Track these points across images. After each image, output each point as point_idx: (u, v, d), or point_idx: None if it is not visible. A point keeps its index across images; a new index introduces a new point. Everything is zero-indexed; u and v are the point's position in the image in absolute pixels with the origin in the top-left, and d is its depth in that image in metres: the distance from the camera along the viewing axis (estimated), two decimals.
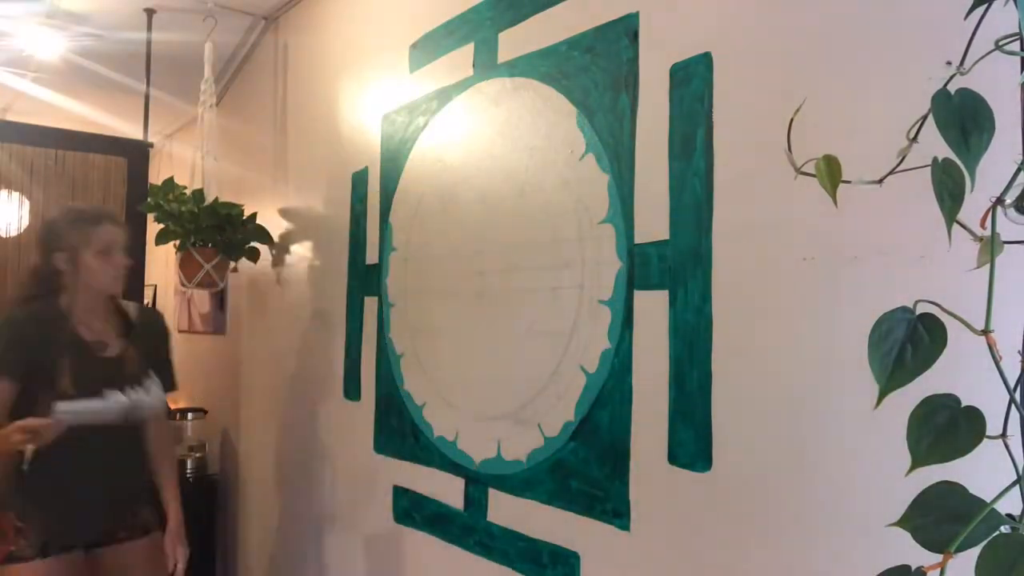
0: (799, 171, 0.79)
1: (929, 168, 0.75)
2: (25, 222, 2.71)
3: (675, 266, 1.36)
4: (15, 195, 2.71)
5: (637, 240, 1.44)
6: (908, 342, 0.67)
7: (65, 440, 1.74)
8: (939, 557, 0.68)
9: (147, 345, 2.09)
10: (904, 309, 0.69)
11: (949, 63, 0.97)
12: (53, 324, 1.89)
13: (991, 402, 0.70)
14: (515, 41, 1.77)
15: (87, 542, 1.95)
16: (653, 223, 1.41)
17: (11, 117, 3.95)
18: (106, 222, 1.94)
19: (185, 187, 2.77)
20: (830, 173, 0.75)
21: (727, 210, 1.28)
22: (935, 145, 0.76)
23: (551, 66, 1.66)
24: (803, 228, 1.16)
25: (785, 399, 1.18)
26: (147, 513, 2.08)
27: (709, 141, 1.31)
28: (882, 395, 0.69)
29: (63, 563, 1.89)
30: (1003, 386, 0.69)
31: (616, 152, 1.49)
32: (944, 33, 0.99)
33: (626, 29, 1.49)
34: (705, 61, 1.34)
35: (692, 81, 1.35)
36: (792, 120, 0.84)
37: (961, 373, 0.79)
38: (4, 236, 2.68)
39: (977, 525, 0.66)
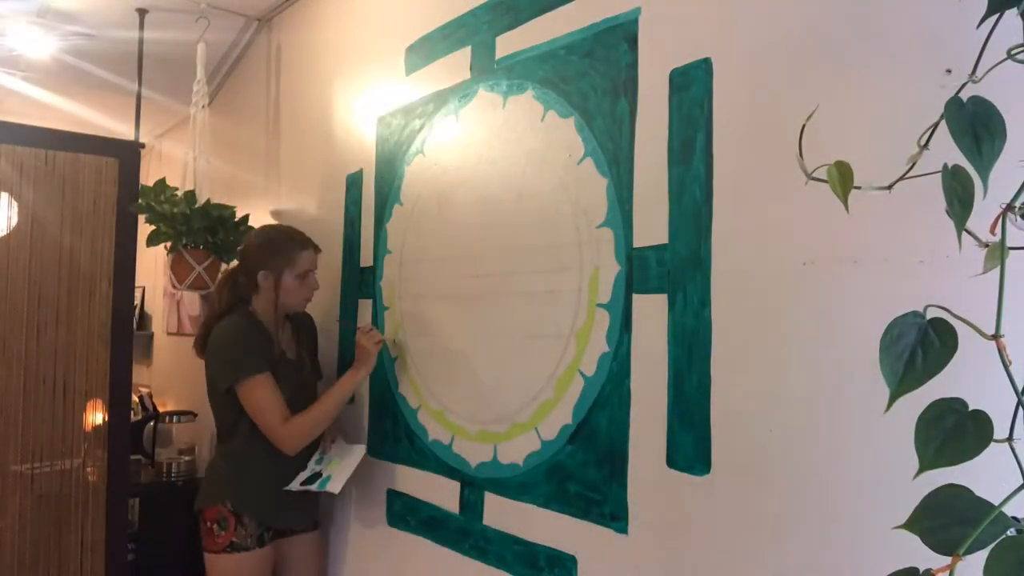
0: (810, 177, 0.79)
1: (930, 174, 0.76)
2: (14, 222, 2.68)
3: (674, 270, 1.37)
4: (4, 196, 2.67)
5: (636, 244, 1.45)
6: (919, 346, 0.68)
7: None
8: (947, 560, 0.68)
9: (310, 345, 2.32)
10: (915, 314, 0.69)
11: (949, 71, 0.98)
12: (261, 332, 2.08)
13: (996, 406, 0.71)
14: (513, 45, 1.77)
15: (283, 532, 2.18)
16: (652, 227, 1.41)
17: (0, 117, 3.91)
18: (309, 247, 2.12)
19: (177, 188, 2.75)
20: (842, 179, 0.76)
21: (727, 214, 1.29)
22: (938, 152, 0.77)
23: (549, 70, 1.66)
24: (803, 232, 1.17)
25: (785, 403, 1.18)
26: (315, 507, 2.26)
27: (709, 146, 1.32)
28: (893, 398, 0.69)
29: (270, 552, 2.12)
30: (1009, 389, 0.70)
31: (615, 156, 1.50)
32: (952, 41, 1.00)
33: (625, 34, 1.50)
34: (705, 66, 1.34)
35: (692, 86, 1.36)
36: (804, 126, 0.84)
37: (966, 377, 0.80)
38: None
39: (985, 528, 0.66)
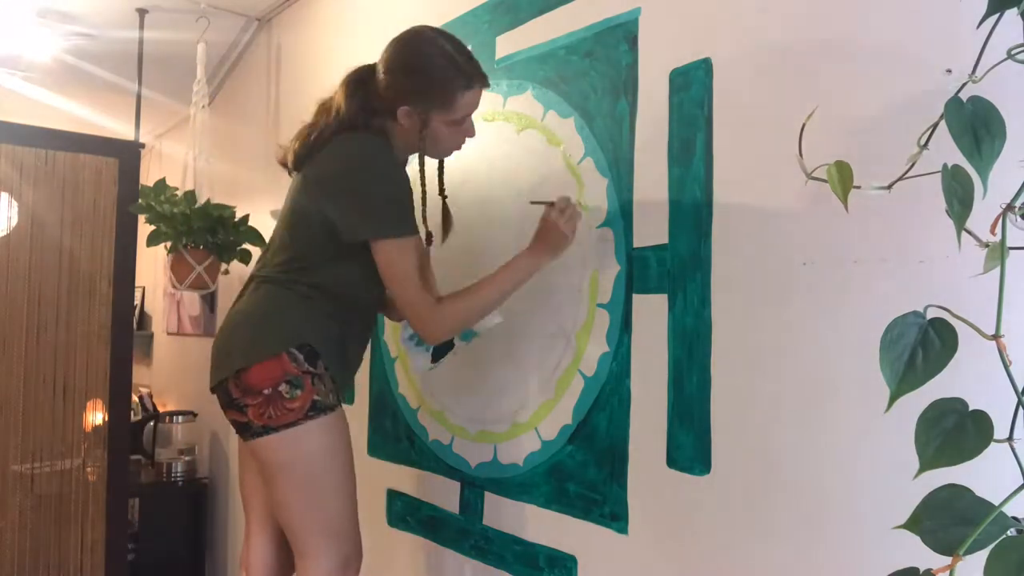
0: (810, 176, 0.79)
1: (930, 174, 0.76)
2: (14, 223, 2.68)
3: (674, 270, 1.37)
4: (4, 196, 2.68)
5: (636, 244, 1.45)
6: (919, 346, 0.68)
7: (369, 298, 1.56)
8: (947, 560, 0.68)
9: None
10: (915, 313, 0.70)
11: (949, 71, 0.98)
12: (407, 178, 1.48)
13: (997, 406, 0.71)
14: (513, 45, 1.77)
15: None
16: (652, 227, 1.41)
17: (1, 117, 3.91)
18: (477, 83, 1.46)
19: (177, 188, 2.75)
20: (842, 179, 0.76)
21: (727, 214, 1.29)
22: (937, 151, 0.77)
23: (549, 70, 1.66)
24: (803, 232, 1.17)
25: (784, 403, 1.18)
26: None
27: (709, 146, 1.32)
28: (893, 398, 0.69)
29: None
30: (1009, 389, 0.70)
31: (615, 156, 1.50)
32: (951, 41, 1.00)
33: (625, 34, 1.50)
34: (705, 66, 1.34)
35: (692, 86, 1.36)
36: (804, 126, 0.84)
37: (967, 377, 0.80)
38: None
39: (986, 528, 0.66)
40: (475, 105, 1.50)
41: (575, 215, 1.46)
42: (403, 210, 1.41)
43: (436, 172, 1.63)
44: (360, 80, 1.51)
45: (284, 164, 1.58)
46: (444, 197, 1.63)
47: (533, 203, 1.54)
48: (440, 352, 1.67)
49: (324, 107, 1.54)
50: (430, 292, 1.46)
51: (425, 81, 1.44)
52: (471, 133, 1.54)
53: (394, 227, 1.40)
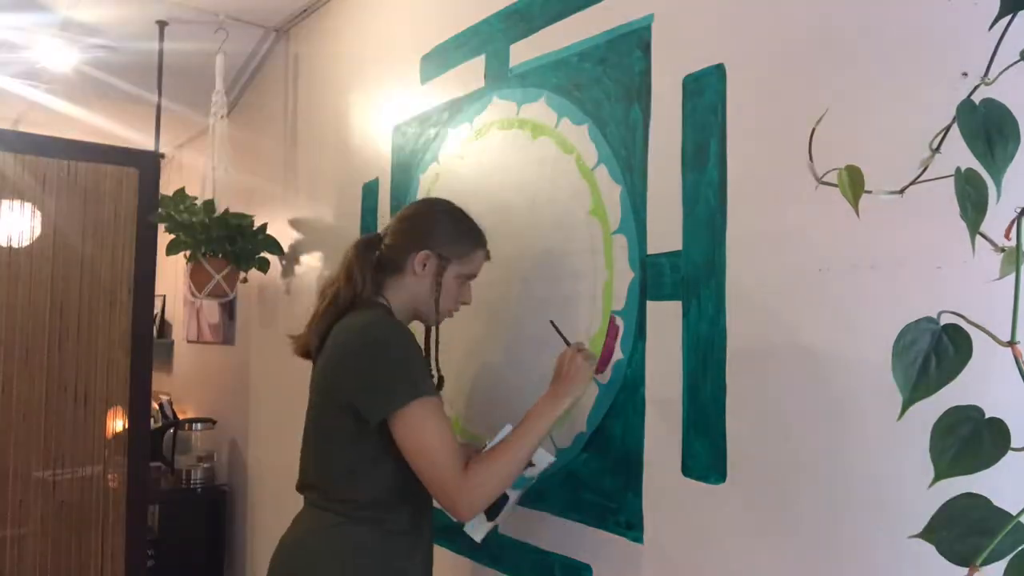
0: (820, 181, 0.79)
1: (944, 178, 0.75)
2: (37, 232, 2.72)
3: (688, 276, 1.36)
4: (27, 206, 2.72)
5: (650, 251, 1.44)
6: (933, 353, 0.67)
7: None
8: (964, 571, 0.67)
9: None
10: (928, 319, 0.68)
11: (965, 74, 0.97)
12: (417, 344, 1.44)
13: (1013, 414, 0.70)
14: (527, 53, 1.77)
15: None
16: (666, 233, 1.41)
17: (24, 128, 3.98)
18: (485, 248, 1.55)
19: (196, 198, 2.79)
20: (852, 183, 0.75)
21: (741, 220, 1.28)
22: (951, 156, 0.76)
23: (563, 77, 1.66)
24: (819, 238, 1.16)
25: (801, 410, 1.17)
26: None
27: (723, 152, 1.31)
28: (906, 406, 0.68)
29: None
30: None
31: (629, 163, 1.49)
32: (963, 44, 0.99)
33: (638, 41, 1.50)
34: (718, 72, 1.34)
35: (705, 92, 1.36)
36: (814, 130, 0.83)
37: (984, 384, 0.79)
38: (17, 247, 2.69)
39: (1003, 538, 0.65)
40: (480, 267, 1.55)
41: (591, 357, 1.46)
42: (416, 372, 1.34)
43: (433, 347, 1.63)
44: (365, 249, 1.52)
45: (305, 355, 1.54)
46: (438, 363, 1.63)
47: (552, 323, 1.54)
48: (496, 509, 1.49)
49: (328, 287, 1.51)
50: (460, 460, 1.31)
51: (450, 227, 1.50)
52: (468, 299, 1.57)
53: (412, 391, 1.31)
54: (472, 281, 1.56)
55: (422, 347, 1.54)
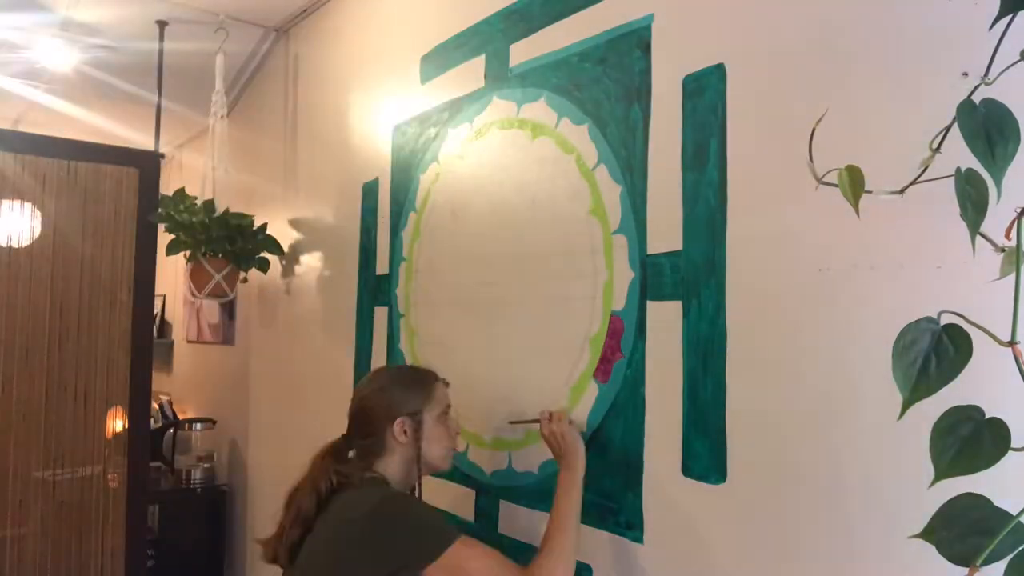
0: (821, 181, 0.79)
1: (944, 178, 0.75)
2: (37, 232, 2.72)
3: (688, 277, 1.36)
4: (27, 206, 2.72)
5: (650, 251, 1.44)
6: (932, 353, 0.67)
7: None
8: (963, 571, 0.67)
9: None
10: (928, 319, 0.68)
11: (966, 74, 0.97)
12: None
13: (1014, 414, 0.70)
14: (527, 53, 1.77)
15: None
16: (666, 233, 1.41)
17: (24, 128, 3.98)
18: (439, 381, 1.60)
19: (196, 198, 2.79)
20: (852, 183, 0.75)
21: (741, 220, 1.28)
22: (951, 156, 0.76)
23: (563, 77, 1.66)
24: (819, 238, 1.16)
25: (801, 410, 1.17)
26: None
27: (723, 152, 1.31)
28: (906, 406, 0.68)
29: None
30: None
31: (629, 163, 1.49)
32: (964, 44, 0.99)
33: (638, 40, 1.49)
34: (718, 72, 1.34)
35: (705, 92, 1.36)
36: (814, 130, 0.83)
37: (984, 384, 0.79)
38: (17, 247, 2.69)
39: (1003, 538, 0.65)
40: (447, 398, 1.60)
41: (561, 418, 1.52)
42: (437, 520, 1.38)
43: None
44: (329, 453, 1.54)
45: (274, 561, 1.49)
46: None
47: (512, 423, 1.59)
48: None
49: (293, 499, 1.49)
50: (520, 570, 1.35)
51: (402, 387, 1.56)
52: (457, 430, 1.62)
53: (447, 537, 1.33)
54: (451, 412, 1.60)
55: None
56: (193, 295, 2.84)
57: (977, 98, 0.70)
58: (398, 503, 1.41)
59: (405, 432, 1.51)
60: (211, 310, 3.68)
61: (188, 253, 2.78)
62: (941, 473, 0.69)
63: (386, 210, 2.28)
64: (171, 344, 4.49)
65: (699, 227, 1.34)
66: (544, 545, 1.40)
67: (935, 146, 0.75)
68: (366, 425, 1.54)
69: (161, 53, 3.05)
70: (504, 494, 1.75)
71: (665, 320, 1.40)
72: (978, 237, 0.70)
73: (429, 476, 1.62)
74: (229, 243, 2.76)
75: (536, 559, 1.38)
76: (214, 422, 3.57)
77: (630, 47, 1.51)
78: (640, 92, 1.48)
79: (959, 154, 0.73)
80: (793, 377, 1.18)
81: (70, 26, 2.91)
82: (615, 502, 1.47)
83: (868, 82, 1.11)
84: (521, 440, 1.71)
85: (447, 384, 1.62)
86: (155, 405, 3.51)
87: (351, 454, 1.55)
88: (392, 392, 1.55)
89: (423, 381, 1.58)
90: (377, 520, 1.36)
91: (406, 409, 1.52)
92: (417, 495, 1.60)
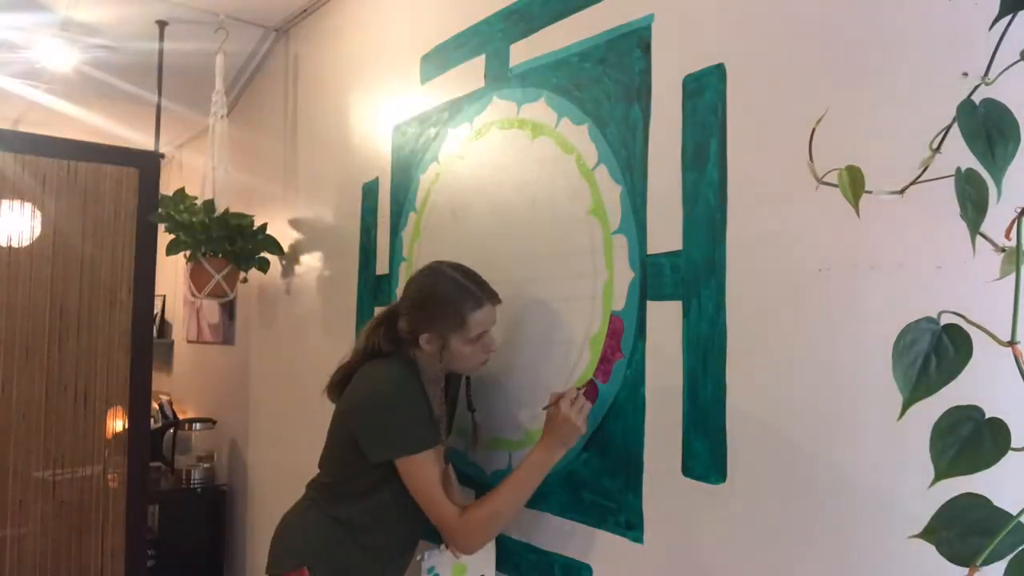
0: (821, 181, 0.79)
1: (945, 178, 0.75)
2: (37, 232, 2.72)
3: (688, 277, 1.36)
4: (27, 206, 2.72)
5: (650, 251, 1.44)
6: (933, 353, 0.67)
7: (400, 510, 1.60)
8: (963, 571, 0.67)
9: (453, 397, 1.84)
10: (928, 319, 0.68)
11: (965, 74, 0.97)
12: (423, 390, 1.62)
13: (1014, 414, 0.70)
14: (527, 53, 1.77)
15: None
16: (666, 233, 1.41)
17: (24, 128, 3.98)
18: (487, 302, 1.59)
19: (196, 197, 2.79)
20: (853, 184, 0.75)
21: (741, 220, 1.28)
22: (951, 156, 0.76)
23: (563, 77, 1.66)
24: (819, 238, 1.16)
25: (801, 410, 1.17)
26: None
27: (723, 152, 1.31)
28: (906, 406, 0.68)
29: None
30: None
31: (629, 163, 1.49)
32: (964, 44, 0.99)
33: (638, 40, 1.49)
34: (718, 72, 1.34)
35: (705, 92, 1.36)
36: (814, 130, 0.83)
37: (984, 384, 0.79)
38: (17, 247, 2.69)
39: (1003, 538, 0.65)
40: (490, 322, 1.61)
41: (585, 405, 1.50)
42: (418, 428, 1.54)
43: (464, 388, 1.79)
44: (386, 316, 1.68)
45: (331, 396, 1.73)
46: (472, 411, 1.78)
47: (545, 408, 1.55)
48: None
49: (356, 343, 1.71)
50: (455, 505, 1.52)
51: (438, 307, 1.58)
52: (492, 347, 1.64)
53: (411, 445, 1.52)
54: (490, 331, 1.62)
55: (464, 390, 1.78)
56: (193, 295, 2.84)
57: (977, 98, 0.70)
58: (387, 386, 1.57)
59: (430, 344, 1.59)
60: (211, 310, 3.68)
61: (188, 253, 2.78)
62: (941, 473, 0.69)
63: (386, 210, 2.28)
64: (171, 344, 4.49)
65: (699, 227, 1.34)
66: (483, 499, 1.52)
67: (935, 146, 0.75)
68: (406, 312, 1.63)
69: (161, 53, 3.05)
70: None
71: (665, 320, 1.40)
72: (978, 237, 0.70)
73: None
74: (229, 243, 2.76)
75: (469, 507, 1.51)
76: (214, 422, 3.57)
77: (630, 47, 1.51)
78: (640, 92, 1.48)
79: (959, 154, 0.73)
80: (793, 377, 1.18)
81: (70, 26, 2.91)
82: (615, 502, 1.47)
83: (868, 82, 1.11)
84: (521, 440, 1.71)
85: (497, 302, 1.62)
86: (155, 405, 3.51)
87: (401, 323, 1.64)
88: (427, 307, 1.60)
89: (461, 306, 1.57)
90: (367, 398, 1.59)
91: (434, 328, 1.58)
92: (465, 388, 1.77)
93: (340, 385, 1.67)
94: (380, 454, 1.53)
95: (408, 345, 1.63)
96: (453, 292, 1.58)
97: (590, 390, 1.55)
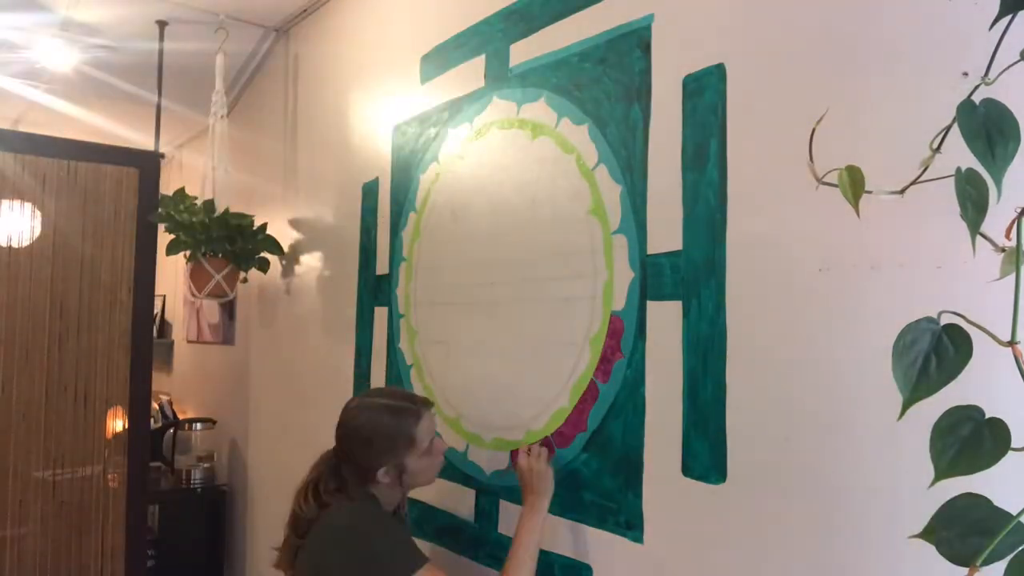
0: (821, 181, 0.79)
1: (944, 178, 0.75)
2: (37, 232, 2.72)
3: (688, 277, 1.36)
4: (27, 206, 2.72)
5: (650, 251, 1.44)
6: (933, 353, 0.67)
7: None
8: (963, 571, 0.67)
9: None
10: (929, 319, 0.68)
11: (966, 74, 0.97)
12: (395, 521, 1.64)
13: (1014, 414, 0.70)
14: (527, 53, 1.77)
15: None
16: (666, 233, 1.41)
17: (24, 128, 3.98)
18: (424, 410, 1.62)
19: (196, 197, 2.79)
20: (853, 184, 0.75)
21: (741, 220, 1.28)
22: (952, 156, 0.76)
23: (563, 77, 1.66)
24: (819, 238, 1.16)
25: (801, 410, 1.17)
26: None
27: (723, 152, 1.31)
28: (905, 406, 0.68)
29: None
30: None
31: (629, 163, 1.49)
32: (964, 44, 0.99)
33: (638, 40, 1.49)
34: (718, 72, 1.34)
35: (705, 92, 1.36)
36: (814, 130, 0.83)
37: (984, 384, 0.79)
38: (17, 247, 2.69)
39: (1003, 538, 0.65)
40: (433, 427, 1.64)
41: (543, 451, 1.59)
42: (405, 546, 1.48)
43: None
44: (315, 479, 1.61)
45: (279, 566, 1.62)
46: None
47: (509, 468, 1.64)
48: None
49: (295, 509, 1.60)
50: None
51: (386, 439, 1.57)
52: (443, 448, 1.67)
53: (413, 563, 1.44)
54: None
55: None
56: (193, 295, 2.84)
57: (977, 98, 0.70)
58: (375, 524, 1.52)
59: (388, 475, 1.57)
60: (211, 310, 3.68)
61: (188, 253, 2.78)
62: (941, 473, 0.69)
63: (386, 210, 2.28)
64: (171, 344, 4.49)
65: (699, 227, 1.34)
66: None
67: (935, 146, 0.75)
68: (351, 462, 1.60)
69: (161, 53, 3.05)
70: (504, 494, 1.75)
71: (665, 320, 1.40)
72: (978, 237, 0.70)
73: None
74: (229, 243, 2.76)
75: None
76: (214, 422, 3.57)
77: (630, 47, 1.51)
78: (640, 92, 1.48)
79: (959, 154, 0.73)
80: (793, 377, 1.18)
81: (70, 26, 2.91)
82: (615, 502, 1.47)
83: (868, 82, 1.11)
84: (521, 440, 1.71)
85: (430, 407, 1.64)
86: (155, 405, 3.51)
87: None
88: (376, 442, 1.57)
89: (405, 426, 1.58)
90: (331, 546, 1.49)
91: (387, 458, 1.57)
92: (404, 509, 1.72)
93: (294, 552, 1.56)
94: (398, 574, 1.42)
95: (358, 488, 1.58)
96: (392, 418, 1.59)
97: (545, 442, 1.62)
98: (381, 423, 1.59)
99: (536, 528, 1.52)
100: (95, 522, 2.79)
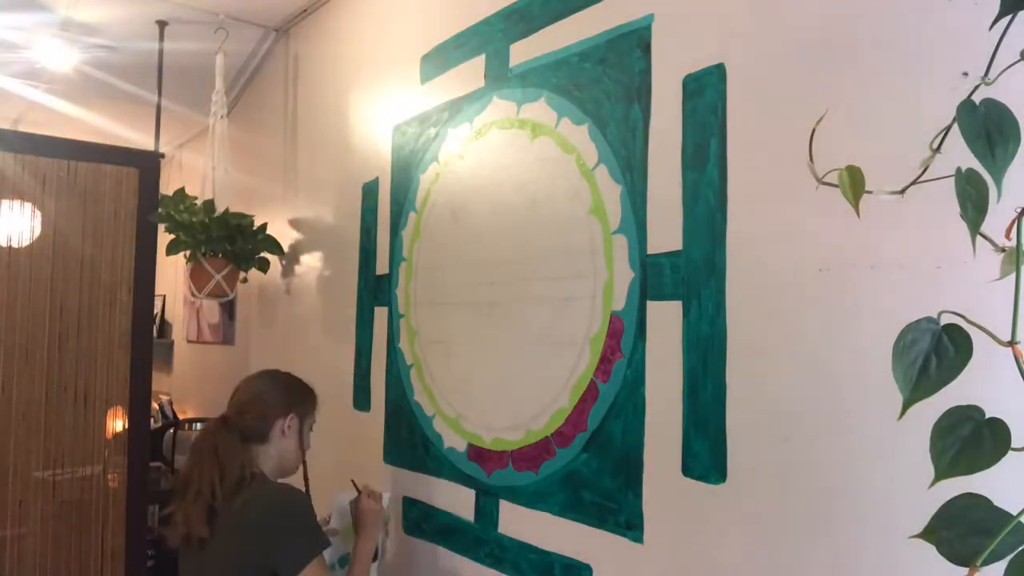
0: (821, 181, 0.79)
1: (944, 178, 0.75)
2: (37, 232, 2.72)
3: (688, 277, 1.36)
4: (27, 206, 2.72)
5: (650, 251, 1.44)
6: (933, 353, 0.67)
7: None
8: (963, 571, 0.67)
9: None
10: (929, 319, 0.68)
11: (966, 74, 0.97)
12: None
13: (1014, 414, 0.70)
14: (527, 52, 1.77)
15: None
16: (666, 233, 1.41)
17: (24, 128, 3.98)
18: (316, 400, 1.87)
19: (196, 197, 2.78)
20: (853, 184, 0.75)
21: (741, 220, 1.28)
22: (952, 156, 0.76)
23: (563, 77, 1.66)
24: (819, 238, 1.16)
25: (801, 410, 1.17)
26: None
27: (723, 152, 1.31)
28: (906, 406, 0.68)
29: None
30: None
31: (629, 163, 1.49)
32: (964, 44, 0.99)
33: (638, 40, 1.49)
34: (718, 72, 1.34)
35: (705, 92, 1.36)
36: (814, 130, 0.83)
37: (984, 384, 0.79)
38: (17, 247, 2.69)
39: (1004, 538, 0.65)
40: (316, 417, 1.87)
41: (376, 495, 1.85)
42: (318, 526, 1.64)
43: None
44: (225, 426, 1.76)
45: (187, 541, 1.70)
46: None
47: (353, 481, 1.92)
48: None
49: (191, 476, 1.67)
50: None
51: (297, 391, 1.82)
52: (309, 446, 1.85)
53: (319, 545, 1.58)
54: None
55: (305, 481, 1.84)
56: (193, 295, 2.84)
57: (977, 98, 0.70)
58: (279, 499, 1.62)
59: (290, 427, 1.75)
60: (211, 310, 3.68)
61: (188, 253, 2.78)
62: (941, 473, 0.69)
63: (386, 210, 2.28)
64: (171, 344, 4.49)
65: (699, 227, 1.34)
66: None
67: (935, 146, 0.75)
68: (259, 408, 1.74)
69: (161, 53, 3.05)
70: (504, 494, 1.75)
71: (665, 320, 1.40)
72: (978, 237, 0.70)
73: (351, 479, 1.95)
74: (229, 243, 2.76)
75: None
76: None
77: (630, 47, 1.51)
78: (640, 92, 1.48)
79: (959, 154, 0.73)
80: (793, 377, 1.18)
81: (70, 26, 2.91)
82: (615, 502, 1.47)
83: (868, 82, 1.11)
84: (521, 440, 1.71)
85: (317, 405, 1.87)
86: (155, 405, 3.51)
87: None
88: (289, 391, 1.80)
89: (311, 392, 1.84)
90: (266, 516, 1.57)
91: (295, 408, 1.77)
92: (305, 486, 1.82)
93: (211, 522, 1.61)
94: (296, 562, 1.53)
95: (253, 451, 1.70)
96: (299, 382, 1.85)
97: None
98: (292, 380, 1.84)
99: (365, 555, 1.75)
100: (95, 522, 2.79)
